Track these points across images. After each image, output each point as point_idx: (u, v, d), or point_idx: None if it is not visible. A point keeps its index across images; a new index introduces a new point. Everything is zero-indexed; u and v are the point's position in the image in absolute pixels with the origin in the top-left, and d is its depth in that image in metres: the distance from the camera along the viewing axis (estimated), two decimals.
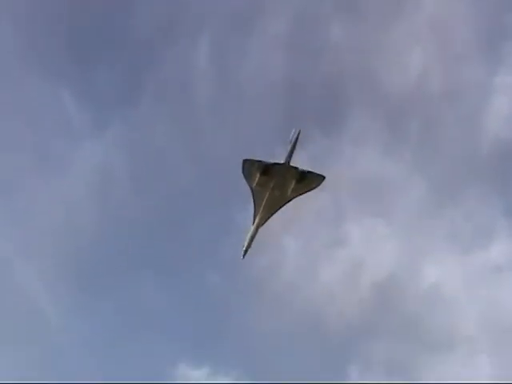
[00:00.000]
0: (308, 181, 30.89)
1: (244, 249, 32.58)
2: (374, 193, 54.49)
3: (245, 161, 30.18)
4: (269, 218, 31.80)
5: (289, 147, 29.89)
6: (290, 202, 32.04)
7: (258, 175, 30.38)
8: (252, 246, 32.82)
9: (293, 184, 30.82)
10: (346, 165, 55.06)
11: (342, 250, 55.39)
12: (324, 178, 31.03)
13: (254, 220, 31.79)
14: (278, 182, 30.59)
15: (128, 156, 59.47)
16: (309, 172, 30.80)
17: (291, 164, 30.31)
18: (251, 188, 30.88)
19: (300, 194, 31.42)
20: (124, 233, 58.17)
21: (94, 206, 58.53)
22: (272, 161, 30.45)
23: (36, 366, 54.59)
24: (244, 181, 30.90)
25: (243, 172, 30.43)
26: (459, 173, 57.17)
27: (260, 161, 30.31)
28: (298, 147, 29.88)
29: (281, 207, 31.71)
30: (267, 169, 30.26)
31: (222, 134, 55.26)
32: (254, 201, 31.25)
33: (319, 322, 55.09)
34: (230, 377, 54.23)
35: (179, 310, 58.26)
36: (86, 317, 58.00)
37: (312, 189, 31.21)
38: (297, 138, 29.65)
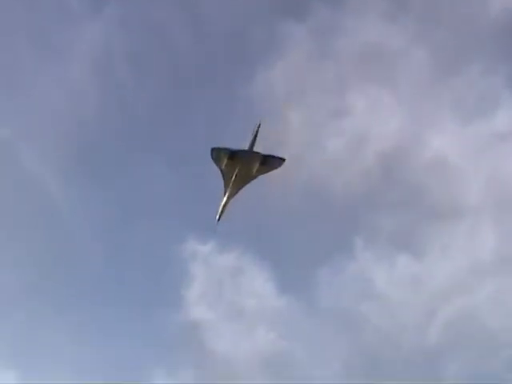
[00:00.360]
0: (270, 163, 35.00)
1: (218, 216, 37.51)
2: (377, 63, 57.37)
3: (213, 149, 34.27)
4: (238, 191, 36.37)
5: (251, 138, 33.86)
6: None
7: (225, 160, 34.52)
8: (225, 212, 37.75)
9: (257, 166, 34.97)
10: (348, 35, 56.89)
11: (346, 120, 56.60)
12: (284, 160, 35.07)
13: (225, 193, 36.39)
14: (243, 165, 34.75)
15: (127, 35, 59.81)
16: (271, 156, 34.83)
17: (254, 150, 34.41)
18: (220, 169, 35.18)
19: (264, 173, 35.68)
20: (126, 115, 59.32)
21: (95, 89, 59.09)
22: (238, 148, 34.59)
23: (43, 249, 57.61)
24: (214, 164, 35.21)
25: (212, 157, 34.61)
26: (463, 42, 57.34)
27: (226, 148, 34.37)
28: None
29: (247, 183, 36.13)
30: (233, 154, 34.36)
31: (222, 7, 57.41)
32: (223, 179, 35.67)
33: (324, 195, 56.17)
34: (234, 252, 56.80)
35: (184, 190, 59.25)
36: (91, 199, 60.06)
37: (274, 169, 35.38)
38: (257, 131, 33.50)
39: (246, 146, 34.23)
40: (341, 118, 56.01)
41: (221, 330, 54.72)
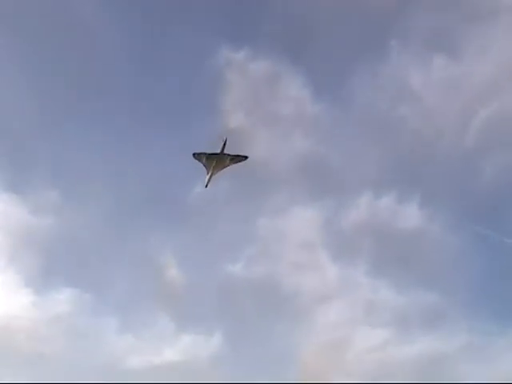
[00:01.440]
0: (237, 159, 47.79)
1: (206, 183, 50.89)
2: None
3: (194, 154, 47.20)
4: (218, 173, 49.51)
5: (221, 145, 46.34)
6: None
7: (204, 159, 47.65)
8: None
9: (228, 160, 47.91)
10: None
11: None
12: (247, 157, 47.72)
13: (208, 173, 49.54)
14: (218, 161, 47.78)
15: None
16: (237, 155, 47.44)
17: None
18: (202, 163, 48.23)
19: (235, 163, 48.41)
20: None
21: None
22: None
23: (79, 71, 58.31)
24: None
25: (194, 157, 47.59)
26: None
27: (204, 152, 47.10)
28: None
29: (224, 168, 49.03)
30: (209, 156, 47.27)
31: None
32: (205, 167, 48.74)
33: None
34: (269, 59, 54.85)
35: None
36: (126, 17, 60.44)
37: (241, 161, 48.10)
38: (225, 143, 45.90)
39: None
40: None
41: (258, 137, 53.09)
